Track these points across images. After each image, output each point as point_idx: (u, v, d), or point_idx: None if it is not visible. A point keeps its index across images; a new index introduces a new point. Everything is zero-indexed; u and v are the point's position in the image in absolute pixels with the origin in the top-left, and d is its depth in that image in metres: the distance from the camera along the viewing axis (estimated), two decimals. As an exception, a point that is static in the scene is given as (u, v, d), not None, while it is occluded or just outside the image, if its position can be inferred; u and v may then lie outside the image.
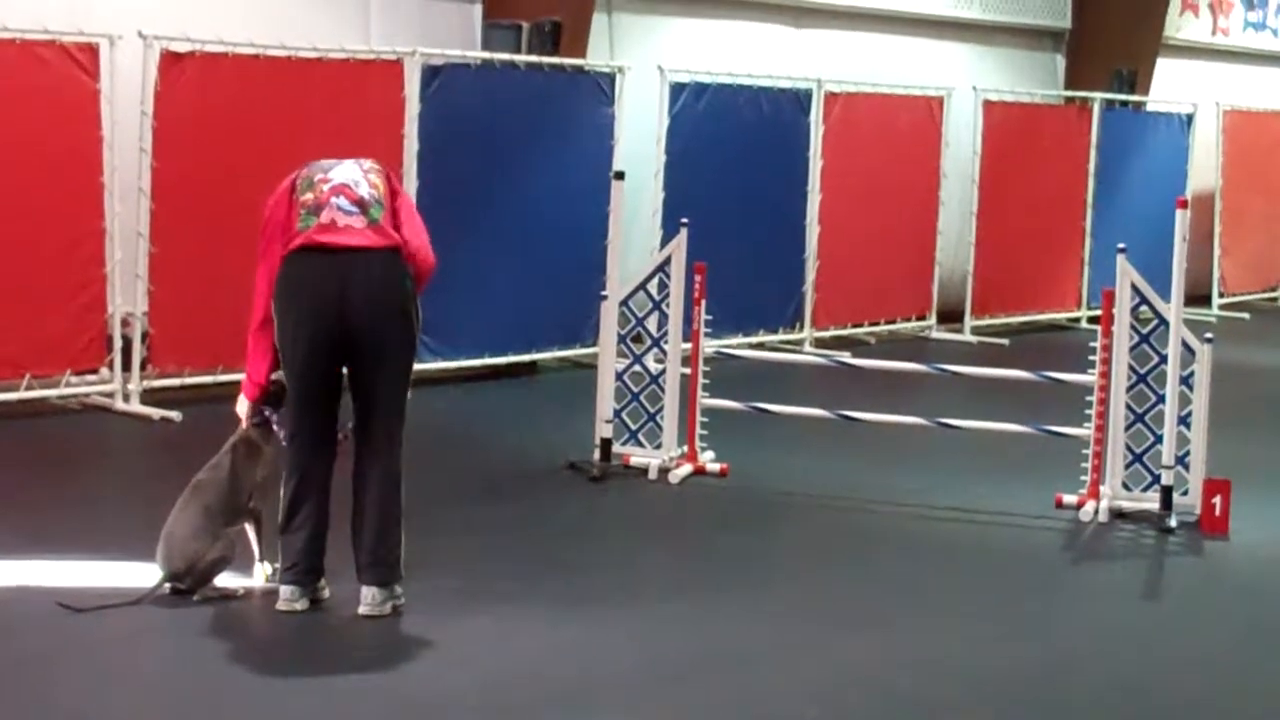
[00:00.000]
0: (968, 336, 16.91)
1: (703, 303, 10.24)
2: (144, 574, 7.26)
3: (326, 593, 7.27)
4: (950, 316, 17.13)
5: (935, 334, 16.87)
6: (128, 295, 11.42)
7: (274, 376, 7.30)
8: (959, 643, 7.28)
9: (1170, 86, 20.61)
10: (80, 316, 11.28)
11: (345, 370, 7.16)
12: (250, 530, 7.44)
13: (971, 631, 7.46)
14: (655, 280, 10.38)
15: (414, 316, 7.15)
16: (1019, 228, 17.43)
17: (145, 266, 11.43)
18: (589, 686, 6.53)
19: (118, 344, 11.41)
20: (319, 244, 7.01)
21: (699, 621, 7.38)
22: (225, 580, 7.32)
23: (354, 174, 7.13)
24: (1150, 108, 19.79)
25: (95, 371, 11.48)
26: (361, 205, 7.06)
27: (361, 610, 7.11)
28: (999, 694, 6.68)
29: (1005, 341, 16.58)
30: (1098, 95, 18.43)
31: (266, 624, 7.08)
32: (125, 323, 11.48)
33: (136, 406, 11.35)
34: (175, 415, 11.07)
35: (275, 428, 7.34)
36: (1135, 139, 18.83)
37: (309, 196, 7.09)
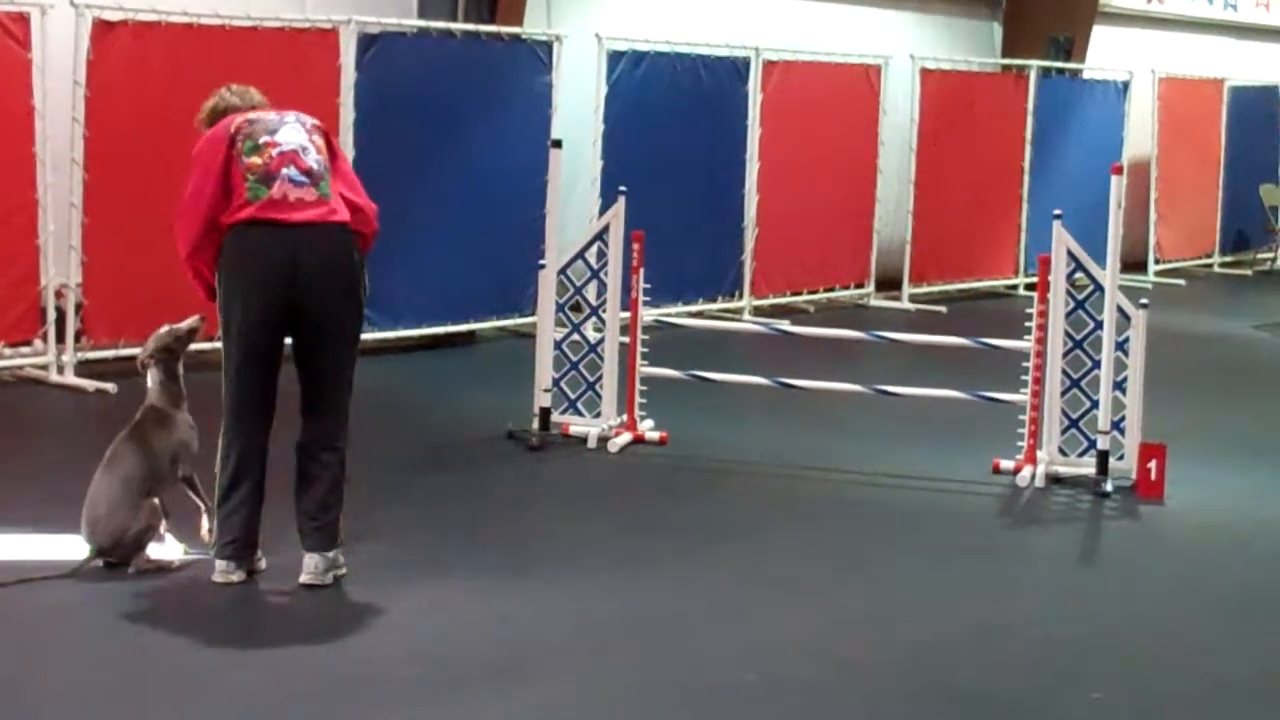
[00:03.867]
0: (906, 304, 16.95)
1: (641, 271, 10.22)
2: (77, 547, 7.20)
3: (263, 564, 7.24)
4: (889, 284, 17.17)
5: (874, 302, 16.91)
6: (61, 266, 11.32)
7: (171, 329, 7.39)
8: (897, 607, 7.31)
9: (1106, 54, 20.70)
10: (13, 288, 11.17)
11: (290, 342, 7.12)
12: (191, 494, 7.39)
13: (909, 596, 7.49)
14: (594, 249, 10.37)
15: (362, 291, 7.12)
16: (957, 195, 17.47)
17: (79, 237, 11.33)
18: (526, 656, 6.52)
19: (51, 316, 11.31)
20: (270, 219, 6.96)
21: (637, 589, 7.39)
22: (157, 552, 7.27)
23: (299, 138, 7.05)
24: (1086, 75, 19.86)
25: (29, 343, 11.39)
26: (311, 176, 7.01)
27: (303, 579, 7.08)
28: (936, 657, 6.71)
29: (943, 309, 16.63)
30: (1034, 63, 18.48)
31: (201, 596, 7.03)
32: (59, 294, 11.38)
33: (71, 378, 11.26)
34: (110, 387, 10.99)
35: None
36: (1072, 106, 18.90)
37: (256, 160, 7.00)
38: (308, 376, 7.14)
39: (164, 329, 7.44)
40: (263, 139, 7.03)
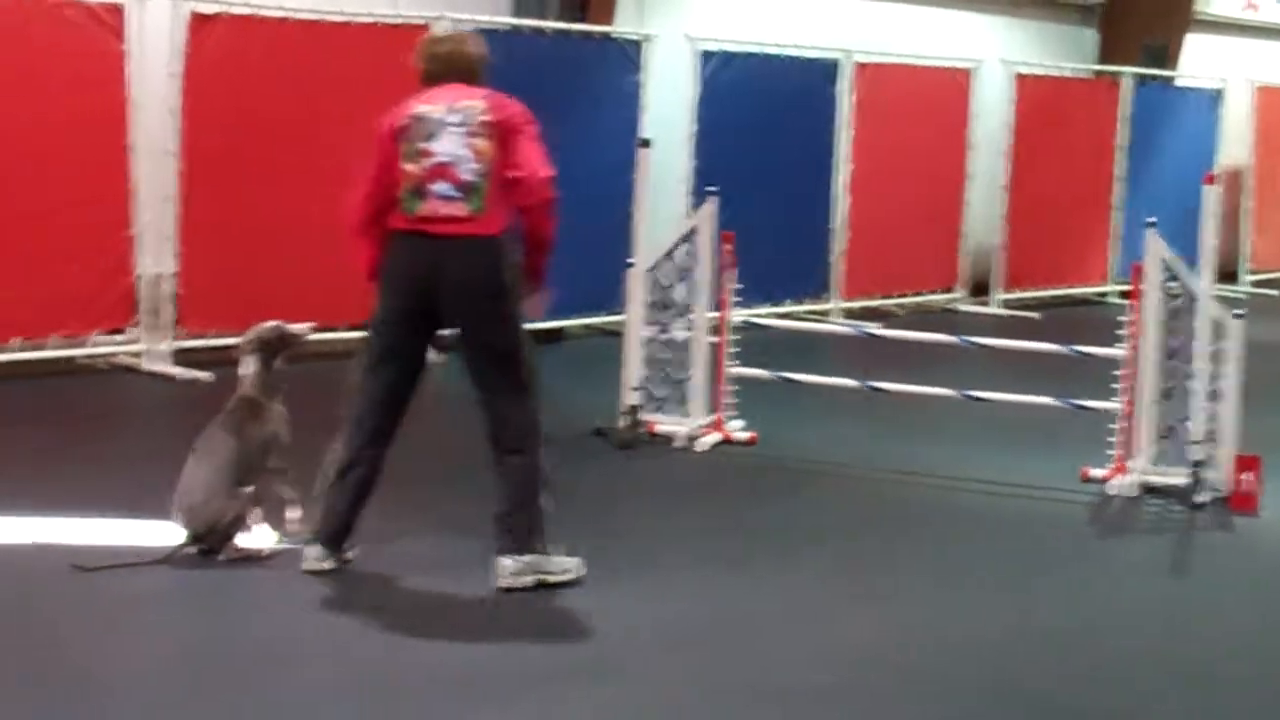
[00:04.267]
0: (996, 309, 16.85)
1: (730, 271, 10.20)
2: (167, 533, 7.25)
3: (352, 554, 7.26)
4: (979, 289, 17.07)
5: (963, 306, 16.82)
6: (157, 256, 11.41)
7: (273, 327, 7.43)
8: (979, 614, 7.24)
9: (1201, 62, 20.50)
10: (107, 277, 11.29)
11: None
12: (280, 486, 7.43)
13: (992, 602, 7.42)
14: (683, 249, 10.34)
15: (509, 299, 7.06)
16: (1048, 201, 17.36)
17: (174, 227, 11.42)
18: (606, 654, 6.51)
19: (145, 304, 11.41)
20: (419, 231, 7.03)
21: (717, 589, 7.36)
22: (249, 540, 7.31)
23: (455, 147, 7.00)
24: (1180, 83, 19.67)
25: (121, 331, 11.50)
26: (463, 190, 7.00)
27: (497, 582, 7.04)
28: (1017, 666, 6.64)
29: (1036, 315, 16.51)
30: (1128, 70, 18.34)
31: (291, 585, 7.06)
32: (154, 284, 11.48)
33: (165, 367, 11.35)
34: (204, 376, 11.07)
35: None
36: (1165, 114, 18.73)
37: (413, 169, 7.04)
38: (472, 384, 7.18)
39: (271, 324, 7.50)
40: (420, 144, 7.04)
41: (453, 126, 7.04)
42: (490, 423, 7.15)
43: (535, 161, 7.12)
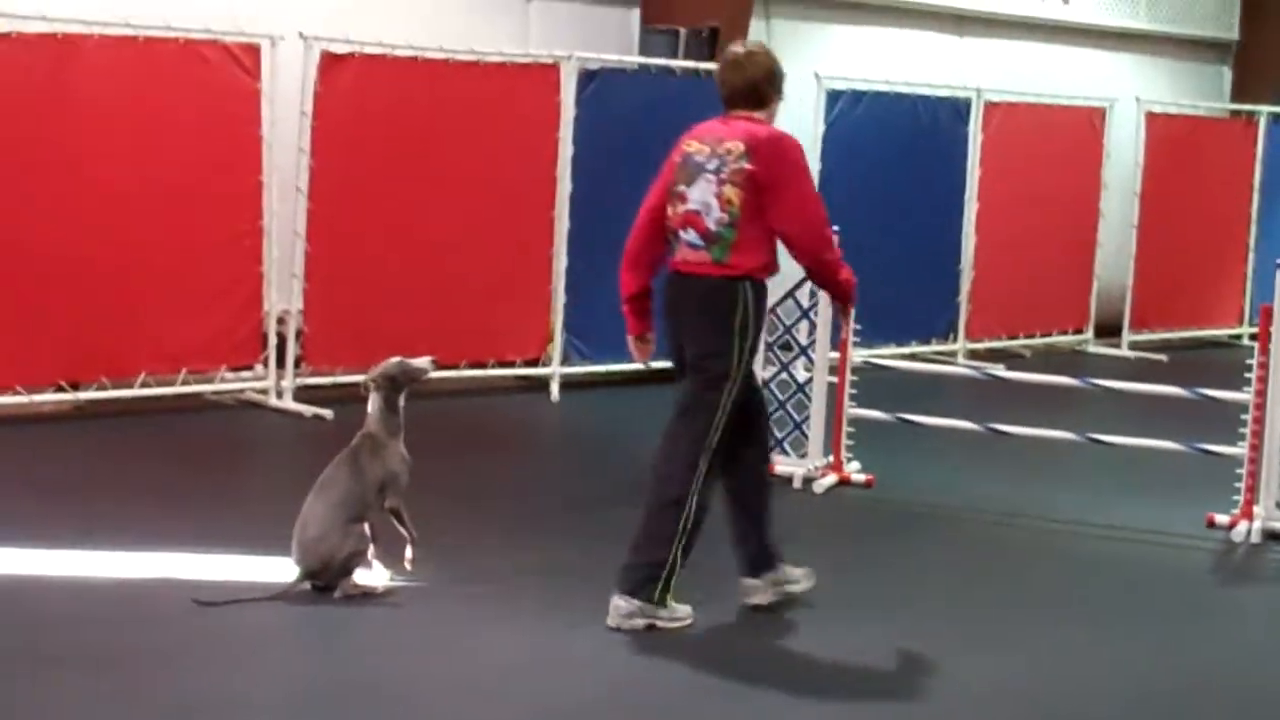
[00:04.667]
0: (1125, 351, 16.67)
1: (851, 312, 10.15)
2: (285, 569, 7.34)
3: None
4: (1109, 330, 16.90)
5: (1092, 348, 16.65)
6: (284, 293, 11.58)
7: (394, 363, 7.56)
8: (1100, 662, 7.16)
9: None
10: (237, 313, 11.46)
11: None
12: (397, 525, 7.49)
13: (1116, 651, 7.33)
14: (805, 288, 10.33)
15: (721, 341, 7.06)
16: (1181, 241, 17.14)
17: (301, 265, 11.59)
18: (725, 695, 6.50)
19: (273, 341, 11.57)
20: (674, 269, 7.20)
21: (837, 632, 7.32)
22: (364, 577, 7.38)
23: (706, 195, 7.05)
24: (1319, 122, 19.35)
25: (250, 368, 11.66)
26: (708, 240, 7.06)
27: (609, 621, 7.06)
28: (1141, 713, 6.57)
29: (1164, 357, 16.32)
30: (1264, 109, 18.08)
31: (406, 621, 7.13)
32: (281, 320, 11.65)
33: (289, 403, 11.50)
34: (327, 413, 11.21)
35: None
36: (1303, 153, 18.44)
37: (671, 212, 7.18)
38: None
39: (395, 359, 7.60)
40: (679, 188, 7.15)
41: (709, 173, 7.09)
42: (657, 453, 7.20)
43: (797, 218, 7.06)
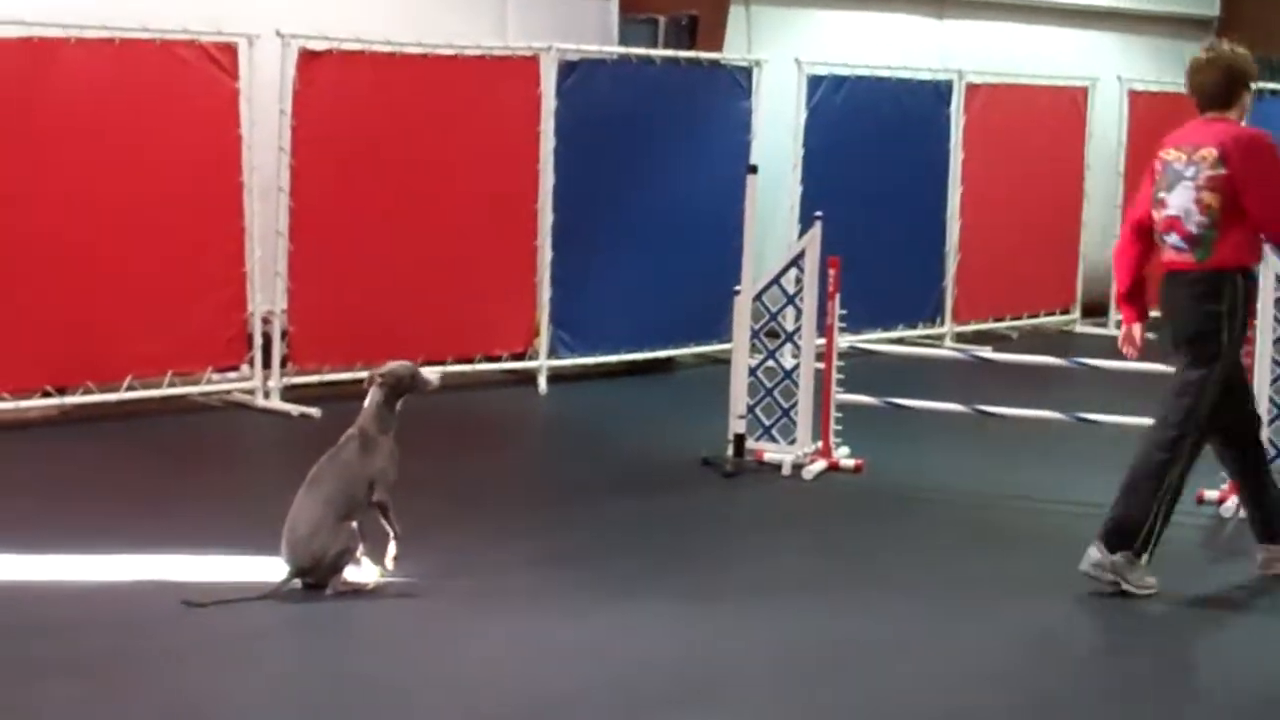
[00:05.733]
0: (1112, 330, 16.64)
1: (836, 297, 10.17)
2: (276, 569, 7.33)
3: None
4: (1096, 310, 16.90)
5: (1079, 328, 16.66)
6: (267, 293, 11.55)
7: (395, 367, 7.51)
8: (1093, 639, 7.17)
9: (1323, 74, 20.16)
10: (221, 314, 11.43)
11: None
12: (382, 520, 7.47)
13: (1106, 629, 7.34)
14: (790, 275, 10.32)
15: (1207, 328, 7.52)
16: (1166, 219, 17.12)
17: (285, 264, 11.56)
18: (715, 682, 6.50)
19: (258, 341, 11.55)
20: (1166, 270, 7.67)
21: (826, 617, 7.33)
22: (354, 574, 7.37)
23: (1185, 201, 7.49)
24: (1302, 96, 19.35)
25: (236, 369, 11.63)
26: (1190, 243, 7.52)
27: (1081, 565, 7.50)
28: (1131, 691, 6.57)
29: (1151, 335, 16.27)
30: (1247, 84, 18.05)
31: (396, 617, 7.12)
32: (265, 320, 11.62)
33: (276, 403, 11.48)
34: (314, 412, 11.19)
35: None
36: (1286, 128, 18.42)
37: (1155, 215, 7.65)
38: None
39: (407, 364, 7.61)
40: (1161, 194, 7.58)
41: (1186, 179, 7.50)
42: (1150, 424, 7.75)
43: (1273, 208, 7.48)
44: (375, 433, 7.50)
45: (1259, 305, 9.19)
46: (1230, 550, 8.79)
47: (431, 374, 7.67)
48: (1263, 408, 9.22)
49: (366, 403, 7.55)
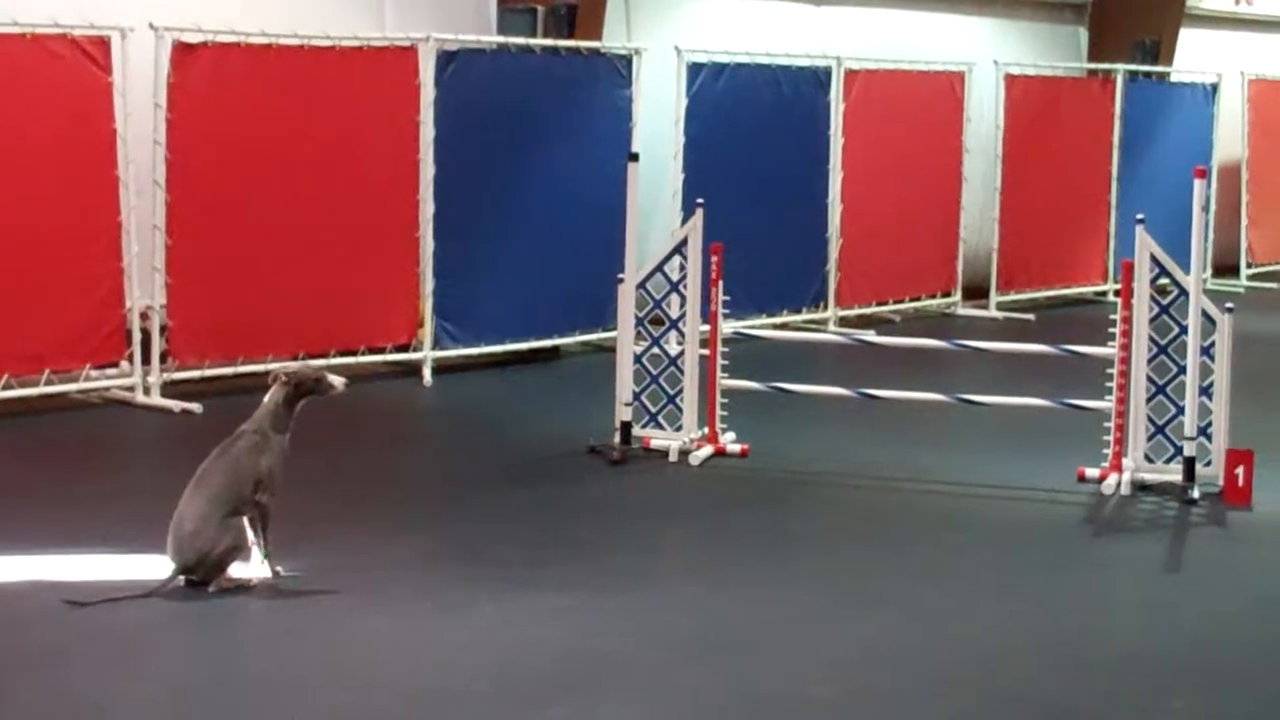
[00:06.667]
0: (993, 312, 16.82)
1: (720, 284, 10.18)
2: (158, 566, 7.24)
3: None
4: (976, 293, 17.04)
5: (961, 310, 16.79)
6: (145, 288, 11.41)
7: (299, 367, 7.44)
8: (978, 618, 7.22)
9: (1194, 57, 20.45)
10: (98, 311, 11.27)
11: None
12: (254, 523, 7.37)
13: (992, 606, 7.40)
14: (673, 262, 10.33)
15: None
16: (1044, 202, 17.33)
17: (162, 259, 11.42)
18: (601, 670, 6.49)
19: (137, 337, 11.40)
20: None
21: (715, 602, 7.34)
22: (239, 571, 7.29)
23: None
24: (1174, 78, 19.62)
25: (115, 365, 11.48)
26: None
27: None
28: (1018, 668, 6.63)
29: (1031, 316, 16.49)
30: (1121, 67, 18.30)
31: (280, 615, 7.05)
32: (144, 316, 11.48)
33: (157, 399, 11.35)
34: (195, 407, 11.07)
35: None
36: (1159, 110, 18.69)
37: None
38: None
39: (314, 364, 7.54)
40: None
41: None
42: None
43: None
44: (269, 430, 7.42)
45: (1134, 285, 9.33)
46: (1113, 526, 8.88)
47: (337, 380, 7.59)
48: (1140, 386, 9.35)
49: (266, 399, 7.47)
